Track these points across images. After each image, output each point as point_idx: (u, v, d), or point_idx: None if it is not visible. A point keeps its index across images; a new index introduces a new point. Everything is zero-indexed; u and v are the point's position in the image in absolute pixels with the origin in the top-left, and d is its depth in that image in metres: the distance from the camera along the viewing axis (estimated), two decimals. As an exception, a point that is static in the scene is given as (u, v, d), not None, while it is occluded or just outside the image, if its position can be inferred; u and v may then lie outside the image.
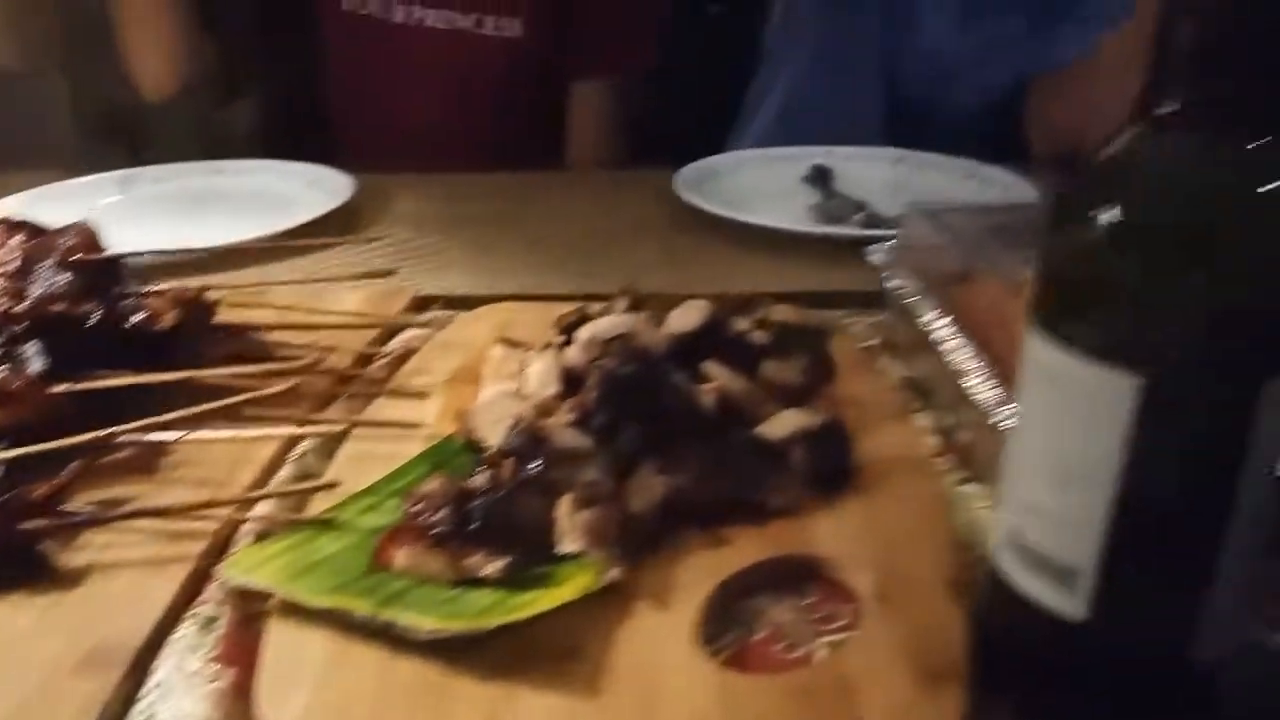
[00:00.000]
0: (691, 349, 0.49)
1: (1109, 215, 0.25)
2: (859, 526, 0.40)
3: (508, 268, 0.73)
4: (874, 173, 0.87)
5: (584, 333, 0.48)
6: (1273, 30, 0.23)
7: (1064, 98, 0.88)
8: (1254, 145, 0.24)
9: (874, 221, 0.75)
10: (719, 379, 0.46)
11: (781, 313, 0.59)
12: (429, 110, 1.04)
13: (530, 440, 0.40)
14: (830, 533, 0.40)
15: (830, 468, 0.43)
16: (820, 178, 0.87)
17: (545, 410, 0.44)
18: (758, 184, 0.87)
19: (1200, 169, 0.25)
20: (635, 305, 0.56)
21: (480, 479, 0.40)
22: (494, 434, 0.43)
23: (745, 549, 0.39)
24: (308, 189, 0.89)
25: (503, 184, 0.93)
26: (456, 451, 0.45)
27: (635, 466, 0.42)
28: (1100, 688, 0.29)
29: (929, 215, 0.53)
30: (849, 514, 0.41)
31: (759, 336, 0.50)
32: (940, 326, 0.45)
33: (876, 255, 0.53)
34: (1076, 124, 0.89)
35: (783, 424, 0.44)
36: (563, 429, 0.41)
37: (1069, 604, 0.29)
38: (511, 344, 0.50)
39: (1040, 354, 0.28)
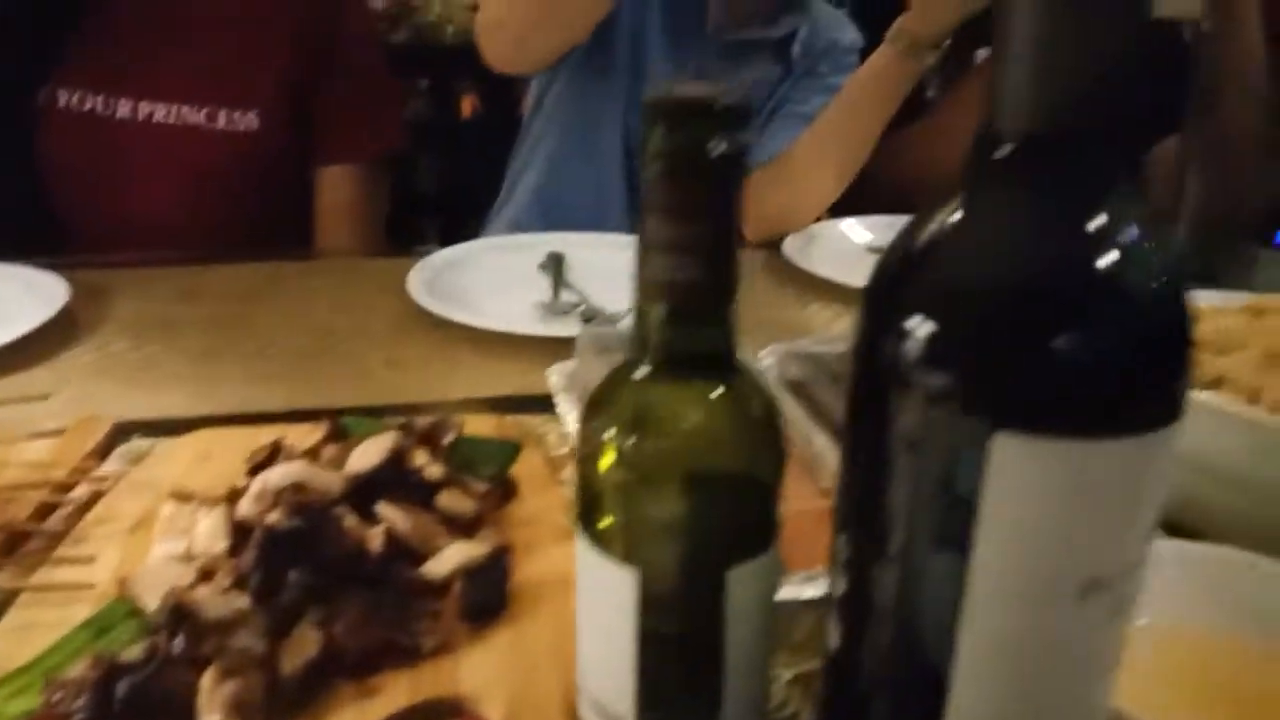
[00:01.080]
0: (371, 488, 0.52)
1: (598, 441, 0.31)
2: (504, 655, 0.44)
3: (226, 381, 0.73)
4: (606, 259, 0.93)
5: (255, 484, 0.50)
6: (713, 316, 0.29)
7: (772, 184, 0.98)
8: (712, 394, 0.31)
9: (592, 316, 0.81)
10: (390, 519, 0.49)
11: (478, 424, 0.63)
12: (162, 206, 1.01)
13: (177, 613, 0.41)
14: (477, 666, 0.44)
15: (484, 601, 0.47)
16: (555, 266, 0.92)
17: (209, 571, 0.46)
18: (497, 272, 0.91)
19: (671, 412, 0.31)
20: (333, 435, 0.58)
21: (136, 651, 0.42)
22: (155, 601, 0.44)
23: (394, 695, 0.42)
24: (24, 293, 0.85)
25: (235, 278, 0.92)
26: (124, 616, 0.46)
27: (298, 621, 0.44)
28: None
29: (600, 335, 0.59)
30: (497, 644, 0.45)
31: (435, 471, 0.53)
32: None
33: (553, 376, 0.58)
34: (782, 208, 0.99)
35: (446, 561, 0.48)
36: (213, 597, 0.43)
37: (621, 746, 0.34)
38: (183, 498, 0.51)
39: (578, 538, 0.33)
